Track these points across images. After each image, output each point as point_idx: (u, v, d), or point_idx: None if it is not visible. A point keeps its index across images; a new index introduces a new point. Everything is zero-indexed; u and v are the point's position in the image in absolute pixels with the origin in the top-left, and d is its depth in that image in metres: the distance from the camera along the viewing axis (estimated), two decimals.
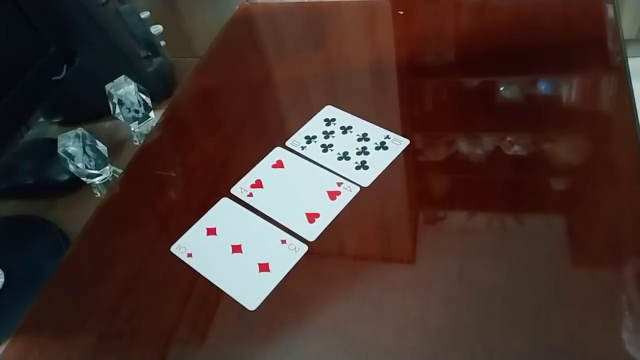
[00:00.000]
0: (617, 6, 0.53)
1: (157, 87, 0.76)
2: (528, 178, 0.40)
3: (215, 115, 0.53)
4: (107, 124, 0.77)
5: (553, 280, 0.33)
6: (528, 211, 0.38)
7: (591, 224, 0.37)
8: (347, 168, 0.43)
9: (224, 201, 0.42)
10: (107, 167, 0.61)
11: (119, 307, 0.37)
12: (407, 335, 0.33)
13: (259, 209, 0.41)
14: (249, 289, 0.36)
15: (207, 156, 0.47)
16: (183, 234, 0.40)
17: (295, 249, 0.38)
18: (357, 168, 0.43)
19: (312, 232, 0.39)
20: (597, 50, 0.49)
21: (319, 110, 0.48)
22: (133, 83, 0.62)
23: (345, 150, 0.44)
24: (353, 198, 0.41)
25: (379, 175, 0.42)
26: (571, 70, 0.46)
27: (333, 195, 0.41)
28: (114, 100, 0.62)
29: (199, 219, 0.41)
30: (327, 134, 0.46)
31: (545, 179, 0.40)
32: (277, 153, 0.45)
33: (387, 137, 0.45)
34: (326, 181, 0.42)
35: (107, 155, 0.61)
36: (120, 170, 0.59)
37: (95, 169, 0.60)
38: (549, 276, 0.34)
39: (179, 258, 0.39)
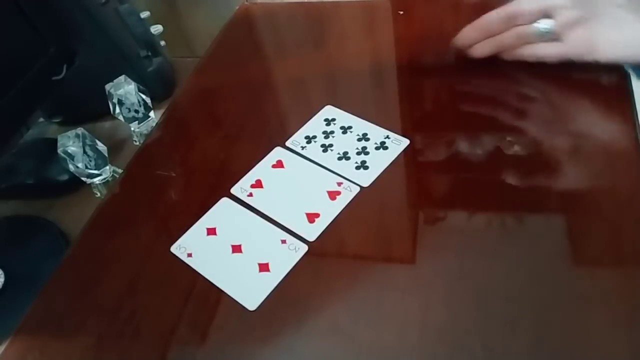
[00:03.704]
0: None
1: (157, 87, 0.76)
2: (528, 178, 0.40)
3: (215, 115, 0.53)
4: (107, 124, 0.77)
5: (553, 280, 0.34)
6: (528, 211, 0.38)
7: (591, 224, 0.37)
8: (347, 168, 0.43)
9: (224, 201, 0.42)
10: (107, 167, 0.61)
11: (119, 307, 0.37)
12: (407, 335, 0.33)
13: (259, 209, 0.41)
14: (249, 289, 0.36)
15: (207, 156, 0.47)
16: (183, 234, 0.40)
17: (295, 249, 0.38)
18: (357, 168, 0.43)
19: (312, 232, 0.39)
20: None
21: (319, 110, 0.48)
22: (133, 83, 0.62)
23: (345, 150, 0.44)
24: (353, 198, 0.41)
25: (379, 175, 0.42)
26: (571, 69, 0.46)
27: (333, 195, 0.41)
28: (114, 100, 0.62)
29: (199, 219, 0.41)
30: (327, 134, 0.46)
31: (546, 179, 0.40)
32: (277, 153, 0.45)
33: (387, 137, 0.45)
34: (326, 181, 0.42)
35: (107, 155, 0.61)
36: (120, 170, 0.59)
37: (95, 169, 0.60)
38: (549, 276, 0.34)
39: (179, 258, 0.39)
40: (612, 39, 0.40)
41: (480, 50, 0.45)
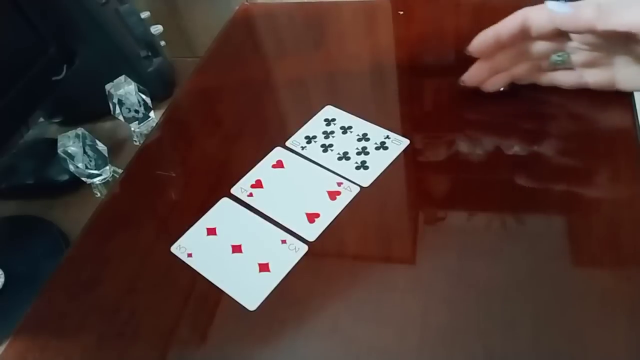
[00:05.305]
0: None
1: (157, 87, 0.76)
2: (528, 178, 0.40)
3: (215, 115, 0.53)
4: (107, 124, 0.77)
5: (553, 280, 0.34)
6: (528, 211, 0.38)
7: (591, 224, 0.37)
8: (347, 168, 0.43)
9: (224, 201, 0.42)
10: (107, 167, 0.61)
11: (119, 307, 0.37)
12: (407, 335, 0.33)
13: (259, 209, 0.41)
14: (249, 289, 0.36)
15: (207, 156, 0.47)
16: (183, 234, 0.40)
17: (295, 249, 0.38)
18: (357, 168, 0.43)
19: (312, 232, 0.39)
20: None
21: (319, 110, 0.49)
22: (133, 83, 0.62)
23: (345, 150, 0.44)
24: (353, 198, 0.41)
25: (379, 175, 0.42)
26: None
27: (333, 195, 0.41)
28: (114, 100, 0.62)
29: (199, 219, 0.41)
30: (327, 134, 0.46)
31: (546, 179, 0.40)
32: (277, 153, 0.45)
33: (387, 137, 0.45)
34: (326, 181, 0.42)
35: (107, 155, 0.61)
36: (120, 170, 0.59)
37: (95, 169, 0.60)
38: (549, 276, 0.34)
39: (179, 258, 0.39)
40: (631, 73, 0.41)
41: (493, 86, 0.45)
